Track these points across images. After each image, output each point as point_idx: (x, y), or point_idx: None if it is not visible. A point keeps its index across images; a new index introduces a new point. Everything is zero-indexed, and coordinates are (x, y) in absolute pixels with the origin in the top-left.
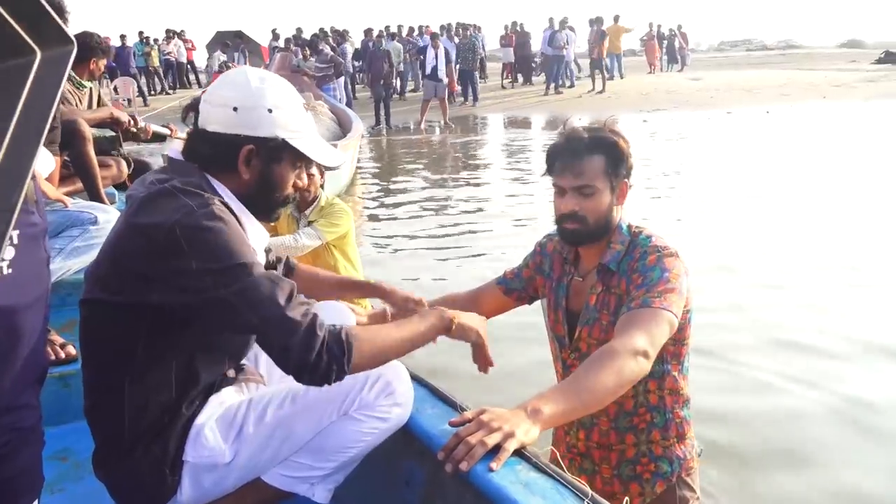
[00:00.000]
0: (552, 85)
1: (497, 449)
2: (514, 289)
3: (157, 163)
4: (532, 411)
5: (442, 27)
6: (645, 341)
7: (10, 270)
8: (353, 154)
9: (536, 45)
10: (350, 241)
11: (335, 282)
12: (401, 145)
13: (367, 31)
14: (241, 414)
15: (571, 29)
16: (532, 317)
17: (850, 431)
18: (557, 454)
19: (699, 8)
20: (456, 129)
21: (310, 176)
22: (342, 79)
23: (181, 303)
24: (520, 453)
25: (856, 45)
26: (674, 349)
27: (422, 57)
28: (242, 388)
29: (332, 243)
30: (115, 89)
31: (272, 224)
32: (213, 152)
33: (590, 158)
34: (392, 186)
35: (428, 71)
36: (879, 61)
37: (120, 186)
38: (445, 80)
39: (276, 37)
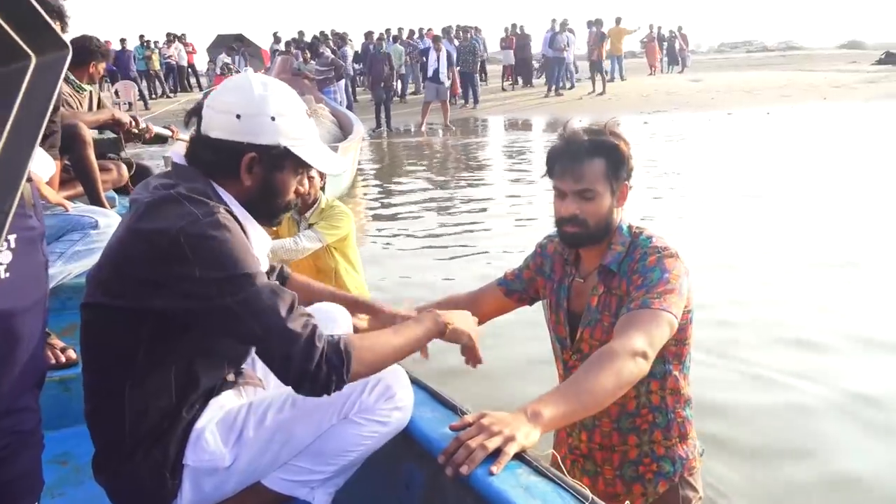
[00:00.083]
0: (553, 87)
1: (497, 453)
2: (514, 290)
3: (157, 165)
4: (532, 414)
5: (444, 30)
6: (644, 342)
7: (7, 274)
8: (353, 156)
9: (536, 47)
10: (351, 244)
11: (327, 294)
12: (401, 147)
13: (368, 34)
14: (242, 418)
15: (571, 31)
16: (533, 315)
17: (851, 426)
18: (558, 457)
19: (699, 9)
20: (457, 131)
21: (310, 179)
22: (343, 81)
23: (184, 308)
24: (520, 457)
25: (856, 46)
26: (675, 349)
27: (423, 59)
28: (241, 391)
29: (333, 245)
30: (116, 93)
31: (273, 227)
32: (216, 158)
33: (590, 162)
34: (393, 188)
35: (430, 73)
36: (880, 62)
37: (120, 190)
38: (447, 83)
39: (277, 40)
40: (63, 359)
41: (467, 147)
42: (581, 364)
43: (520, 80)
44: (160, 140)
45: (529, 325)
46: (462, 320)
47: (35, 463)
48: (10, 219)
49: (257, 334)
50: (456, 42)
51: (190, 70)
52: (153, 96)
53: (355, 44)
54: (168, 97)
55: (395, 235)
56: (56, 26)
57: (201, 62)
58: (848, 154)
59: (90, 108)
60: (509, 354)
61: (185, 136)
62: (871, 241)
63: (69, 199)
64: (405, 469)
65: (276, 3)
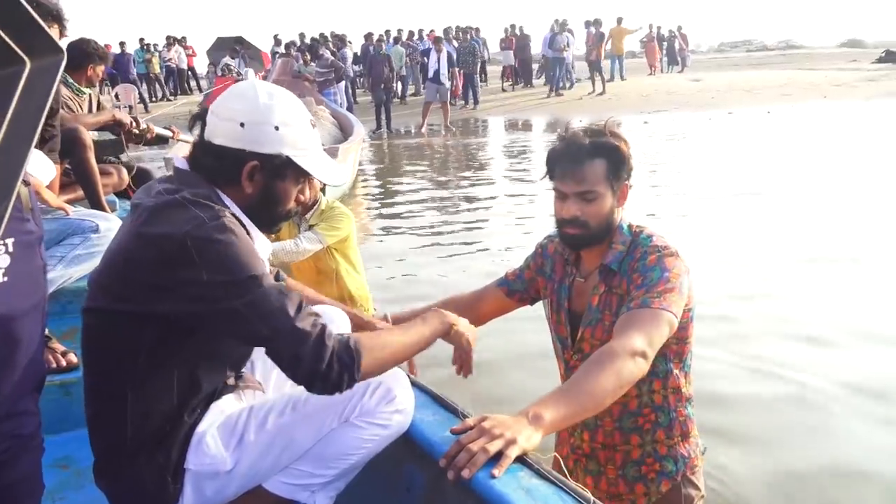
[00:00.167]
0: (553, 88)
1: (499, 456)
2: (515, 290)
3: (157, 168)
4: (533, 417)
5: (444, 31)
6: (643, 342)
7: (5, 278)
8: (354, 158)
9: (536, 48)
10: (351, 245)
11: (320, 303)
12: (402, 148)
13: (367, 36)
14: (243, 422)
15: (570, 31)
16: (535, 311)
17: (853, 418)
18: (560, 458)
19: (699, 9)
20: (457, 132)
21: (310, 181)
22: (343, 83)
23: (190, 312)
24: (522, 460)
25: (856, 45)
26: (676, 348)
27: (424, 59)
28: (241, 395)
29: (334, 247)
30: (117, 96)
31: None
32: (218, 165)
33: (591, 164)
34: (393, 188)
35: (430, 74)
36: (880, 60)
37: (121, 194)
38: (448, 84)
39: (277, 42)
40: (64, 363)
41: (468, 147)
42: (582, 363)
43: (520, 81)
44: (161, 141)
45: (531, 320)
46: (465, 324)
47: (35, 467)
48: (5, 222)
49: (265, 335)
50: (455, 43)
51: (190, 73)
52: (153, 99)
53: (355, 45)
54: (168, 100)
55: (395, 234)
56: (55, 30)
57: (201, 65)
58: (848, 152)
59: (90, 111)
60: (511, 349)
61: (186, 136)
62: (871, 237)
63: (70, 202)
64: (406, 472)
65: (276, 6)
